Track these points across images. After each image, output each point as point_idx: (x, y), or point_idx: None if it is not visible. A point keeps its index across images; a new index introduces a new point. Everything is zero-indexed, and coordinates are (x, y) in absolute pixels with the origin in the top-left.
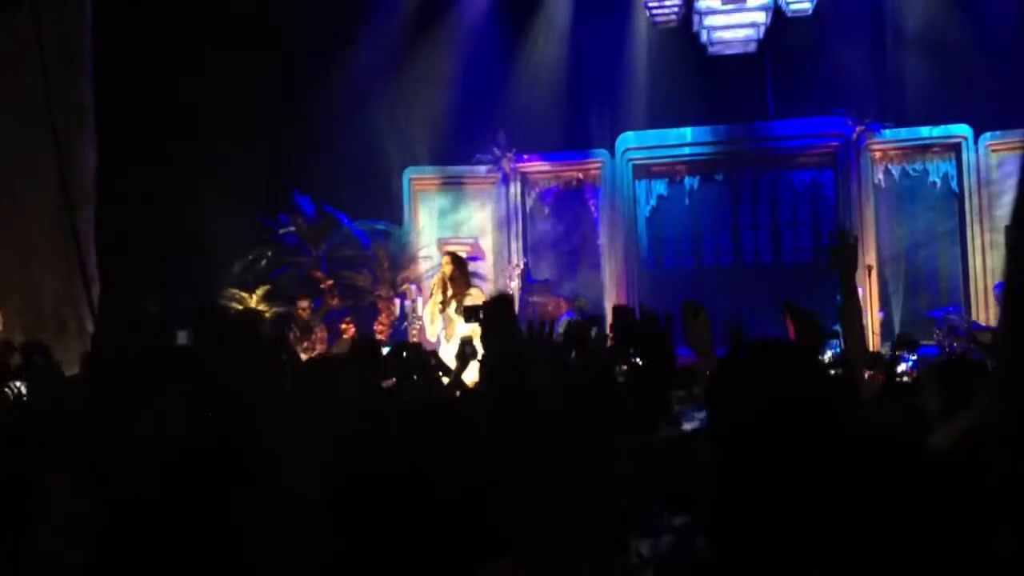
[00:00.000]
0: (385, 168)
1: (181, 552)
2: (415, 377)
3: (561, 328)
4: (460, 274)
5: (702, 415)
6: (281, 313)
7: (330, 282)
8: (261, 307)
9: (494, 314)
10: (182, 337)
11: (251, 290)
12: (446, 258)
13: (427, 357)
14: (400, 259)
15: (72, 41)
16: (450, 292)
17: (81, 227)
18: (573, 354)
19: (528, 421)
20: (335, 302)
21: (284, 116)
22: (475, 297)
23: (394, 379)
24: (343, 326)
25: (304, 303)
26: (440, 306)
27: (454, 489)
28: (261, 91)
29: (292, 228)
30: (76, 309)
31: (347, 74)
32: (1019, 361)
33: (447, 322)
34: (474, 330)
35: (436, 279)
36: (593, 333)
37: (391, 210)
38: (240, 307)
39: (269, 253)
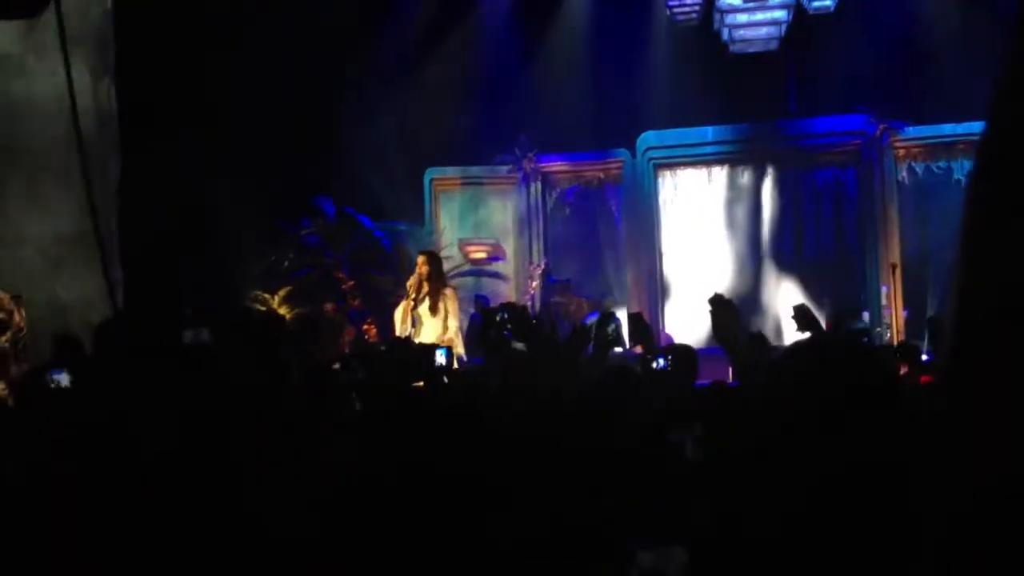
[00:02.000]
0: (406, 169)
1: (183, 550)
2: (446, 380)
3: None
4: (436, 274)
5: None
6: (307, 314)
7: (352, 283)
8: (282, 309)
9: (516, 319)
10: (190, 336)
11: (273, 291)
12: (421, 258)
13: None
14: None
15: (96, 46)
16: (424, 291)
17: (105, 231)
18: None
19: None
20: (357, 303)
21: (305, 117)
22: (449, 296)
23: (423, 382)
24: (365, 327)
25: (330, 304)
26: (412, 304)
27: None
28: (281, 93)
29: (313, 230)
30: (102, 314)
31: (367, 75)
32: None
33: (417, 322)
34: (440, 335)
35: (412, 280)
36: (610, 329)
37: (412, 211)
38: (263, 308)
39: (291, 255)
